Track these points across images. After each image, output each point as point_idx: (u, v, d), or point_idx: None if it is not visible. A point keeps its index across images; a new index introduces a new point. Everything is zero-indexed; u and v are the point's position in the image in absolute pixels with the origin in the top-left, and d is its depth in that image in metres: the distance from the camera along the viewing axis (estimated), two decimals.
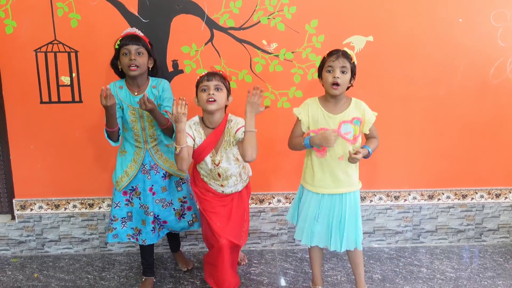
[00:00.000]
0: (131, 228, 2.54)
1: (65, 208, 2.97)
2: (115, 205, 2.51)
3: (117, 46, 2.36)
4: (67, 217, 2.99)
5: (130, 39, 2.32)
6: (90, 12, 2.69)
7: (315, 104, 2.28)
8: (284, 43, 2.77)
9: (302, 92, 2.84)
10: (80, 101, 2.81)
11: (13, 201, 2.96)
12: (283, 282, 2.69)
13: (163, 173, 2.49)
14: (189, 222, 2.60)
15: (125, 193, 2.51)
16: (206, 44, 2.75)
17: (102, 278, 2.76)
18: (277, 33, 2.75)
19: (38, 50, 2.73)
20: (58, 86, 2.79)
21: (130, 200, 2.52)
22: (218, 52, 2.75)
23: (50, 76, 2.77)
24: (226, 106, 2.32)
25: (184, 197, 2.57)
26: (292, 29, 2.75)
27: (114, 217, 2.52)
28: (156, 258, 2.96)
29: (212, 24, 2.73)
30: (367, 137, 2.32)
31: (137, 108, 2.37)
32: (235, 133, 2.24)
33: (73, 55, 2.75)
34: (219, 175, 2.32)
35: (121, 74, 2.43)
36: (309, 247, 2.43)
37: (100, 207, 2.98)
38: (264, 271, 2.79)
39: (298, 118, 2.32)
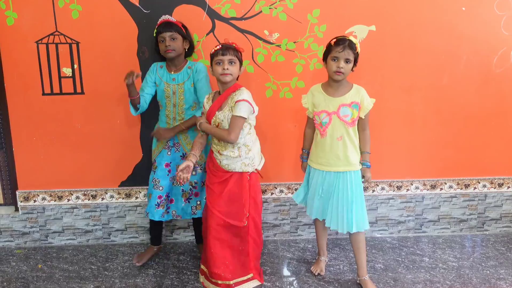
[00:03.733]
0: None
1: (68, 199, 2.98)
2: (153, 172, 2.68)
3: (154, 35, 2.55)
4: (70, 208, 3.00)
5: (164, 26, 2.50)
6: (91, 3, 2.68)
7: (318, 89, 2.43)
8: (286, 33, 2.76)
9: (304, 83, 2.83)
10: (82, 93, 2.81)
11: (17, 192, 2.97)
12: (285, 272, 2.71)
13: (183, 153, 2.63)
14: (193, 208, 2.68)
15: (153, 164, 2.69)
16: (207, 34, 2.74)
17: (106, 268, 2.77)
18: (279, 23, 2.74)
19: (40, 41, 2.73)
20: (59, 77, 2.79)
21: (153, 172, 2.66)
22: (219, 43, 2.73)
23: (51, 67, 2.77)
24: (238, 75, 2.41)
25: (195, 182, 2.66)
26: (294, 19, 2.74)
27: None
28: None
29: (213, 14, 2.72)
30: (358, 129, 2.43)
31: (171, 84, 2.57)
32: (235, 103, 2.30)
33: (74, 46, 2.74)
34: (218, 139, 2.38)
35: (162, 58, 2.63)
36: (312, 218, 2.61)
37: (103, 198, 2.99)
38: (266, 261, 2.81)
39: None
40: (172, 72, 2.58)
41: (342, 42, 2.28)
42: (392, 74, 2.83)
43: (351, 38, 2.30)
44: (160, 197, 2.62)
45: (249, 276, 2.47)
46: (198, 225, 2.83)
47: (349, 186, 2.39)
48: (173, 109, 2.59)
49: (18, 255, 2.94)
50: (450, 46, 2.82)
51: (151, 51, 2.73)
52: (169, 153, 2.63)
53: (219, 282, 2.40)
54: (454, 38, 2.81)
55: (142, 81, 2.65)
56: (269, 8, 2.72)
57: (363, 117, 2.39)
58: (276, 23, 2.74)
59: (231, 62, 2.30)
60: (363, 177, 2.44)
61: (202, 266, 2.54)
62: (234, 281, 2.43)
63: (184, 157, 2.62)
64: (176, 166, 2.57)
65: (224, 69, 2.29)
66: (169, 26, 2.50)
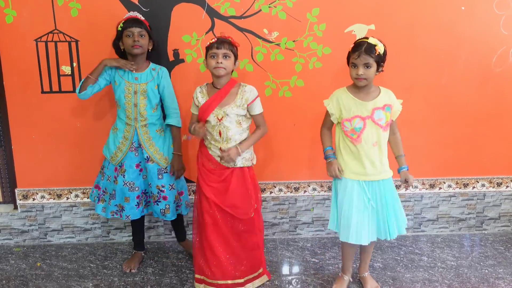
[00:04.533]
0: (115, 205, 2.61)
1: (67, 197, 2.99)
2: (108, 177, 2.62)
3: (120, 28, 2.48)
4: (69, 206, 3.00)
5: (133, 22, 2.46)
6: (90, 1, 2.68)
7: (344, 94, 2.30)
8: (285, 32, 2.76)
9: (303, 81, 2.83)
10: None
11: (16, 190, 2.97)
12: (284, 271, 2.71)
13: (146, 156, 2.56)
14: (161, 211, 2.63)
15: (115, 169, 2.59)
16: (207, 33, 2.74)
17: (105, 267, 2.77)
18: (278, 22, 2.74)
19: (39, 39, 2.73)
20: (59, 75, 2.78)
21: (116, 177, 2.58)
22: (215, 36, 2.73)
23: (50, 65, 2.76)
24: (232, 70, 2.40)
25: (163, 186, 2.59)
26: (294, 18, 2.74)
27: (106, 189, 2.65)
28: (158, 247, 2.98)
29: (213, 13, 2.71)
30: (389, 133, 2.34)
31: (133, 84, 2.51)
32: (248, 105, 2.36)
33: (73, 44, 2.74)
34: (220, 133, 2.35)
35: (121, 54, 2.56)
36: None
37: None
38: (265, 260, 2.80)
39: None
40: (134, 71, 2.52)
41: (358, 47, 2.16)
42: (391, 73, 2.82)
43: (370, 40, 2.18)
44: (138, 196, 2.59)
45: (260, 271, 2.51)
46: (176, 225, 2.84)
47: (390, 193, 2.32)
48: (134, 109, 2.51)
49: (17, 253, 2.94)
50: (449, 45, 2.82)
51: (115, 48, 2.58)
52: (136, 154, 2.56)
53: (229, 282, 2.42)
54: (453, 37, 2.81)
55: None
56: (269, 7, 2.72)
57: (394, 120, 2.32)
58: (276, 22, 2.74)
59: (225, 56, 2.29)
60: (406, 181, 2.36)
61: (197, 276, 2.49)
62: (245, 278, 2.46)
63: (148, 160, 2.56)
64: (145, 168, 2.57)
65: (218, 62, 2.28)
66: (138, 22, 2.47)
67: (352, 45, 2.25)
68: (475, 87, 2.90)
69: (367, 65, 2.17)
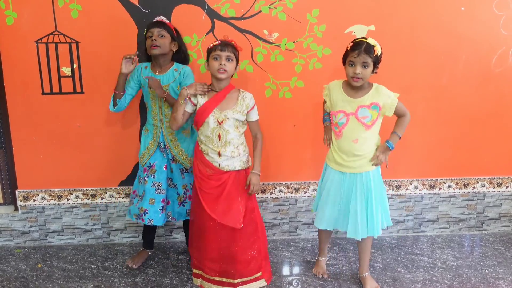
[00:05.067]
0: (138, 208, 2.60)
1: (67, 199, 2.99)
2: (139, 180, 2.64)
3: (145, 32, 2.51)
4: (69, 207, 3.00)
5: (154, 23, 2.48)
6: (91, 3, 2.68)
7: (338, 87, 2.35)
8: (285, 33, 2.76)
9: (303, 82, 2.83)
10: (82, 92, 2.81)
11: (16, 192, 2.97)
12: (285, 271, 2.71)
13: (171, 156, 2.59)
14: (187, 211, 2.65)
15: (144, 170, 2.60)
16: (207, 34, 2.75)
17: (105, 268, 2.78)
18: (278, 23, 2.74)
19: (39, 41, 2.73)
20: (59, 77, 2.79)
21: (146, 178, 2.58)
22: (217, 39, 2.73)
23: (51, 67, 2.77)
24: (233, 74, 2.41)
25: (187, 185, 2.65)
26: (294, 19, 2.74)
27: (137, 191, 2.65)
28: (158, 248, 2.98)
29: (213, 14, 2.72)
30: (398, 116, 2.36)
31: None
32: (248, 112, 2.39)
33: (74, 46, 2.74)
34: (219, 137, 2.34)
35: (150, 58, 2.58)
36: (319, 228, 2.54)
37: (102, 198, 2.99)
38: (269, 264, 2.80)
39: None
40: (157, 73, 2.52)
41: (358, 46, 2.20)
42: (391, 74, 2.83)
43: (369, 40, 2.21)
44: (163, 200, 2.58)
45: (257, 275, 2.50)
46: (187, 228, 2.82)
47: (369, 188, 2.32)
48: (159, 111, 2.54)
49: (18, 255, 2.94)
50: (449, 46, 2.82)
51: (141, 53, 2.64)
52: (164, 155, 2.58)
53: (224, 280, 2.44)
54: (453, 38, 2.81)
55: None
56: (269, 8, 2.72)
57: (391, 115, 2.31)
58: (276, 23, 2.74)
59: (228, 59, 2.30)
60: (380, 154, 2.33)
61: (195, 270, 2.54)
62: (239, 280, 2.45)
63: (173, 160, 2.58)
64: (170, 169, 2.58)
65: (221, 64, 2.27)
66: (159, 24, 2.47)
67: (350, 44, 2.26)
68: (475, 87, 2.90)
69: (365, 65, 2.20)
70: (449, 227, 3.13)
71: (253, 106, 2.40)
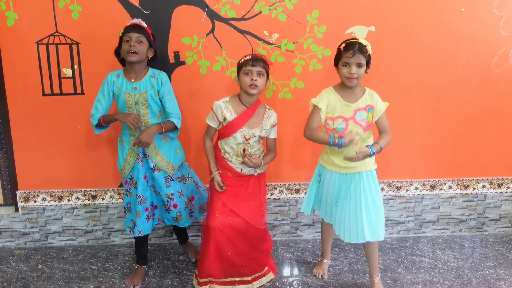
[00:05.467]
0: (130, 220, 2.57)
1: (68, 200, 2.99)
2: (126, 192, 2.58)
3: (120, 34, 2.42)
4: (70, 208, 3.00)
5: (132, 27, 2.39)
6: (91, 4, 2.68)
7: (332, 93, 2.34)
8: (285, 34, 2.76)
9: (303, 83, 2.83)
10: (82, 93, 2.81)
11: (17, 193, 2.98)
12: (285, 272, 2.71)
13: (153, 165, 2.51)
14: (173, 219, 2.62)
15: (126, 182, 2.55)
16: (207, 35, 2.75)
17: (106, 269, 2.78)
18: (279, 24, 2.74)
19: (40, 42, 2.73)
20: (60, 78, 2.79)
21: (129, 190, 2.54)
22: (219, 43, 2.74)
23: (52, 68, 2.77)
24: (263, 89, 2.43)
25: (172, 194, 2.56)
26: (294, 20, 2.74)
27: (128, 204, 2.59)
28: (159, 249, 2.98)
29: (213, 15, 2.72)
30: (379, 131, 2.34)
31: (133, 94, 2.42)
32: (270, 128, 2.46)
33: (74, 47, 2.75)
34: (244, 150, 2.41)
35: (123, 62, 2.48)
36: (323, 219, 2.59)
37: (103, 199, 2.99)
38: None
39: (317, 106, 2.32)
40: (133, 81, 2.42)
41: (352, 46, 2.21)
42: (391, 74, 2.83)
43: (361, 40, 2.24)
44: (147, 209, 2.53)
45: (265, 269, 2.56)
46: (177, 228, 2.81)
47: (364, 188, 2.31)
48: None
49: (18, 256, 2.94)
50: (449, 46, 2.82)
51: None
52: (143, 165, 2.49)
53: (237, 279, 2.47)
54: (453, 38, 2.81)
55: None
56: (269, 9, 2.72)
57: (375, 121, 2.32)
58: (276, 24, 2.74)
59: (259, 74, 2.33)
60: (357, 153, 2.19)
61: (203, 279, 2.48)
62: (253, 276, 2.50)
63: (154, 169, 2.50)
64: (152, 177, 2.52)
65: (252, 79, 2.29)
66: (138, 28, 2.38)
67: (342, 45, 2.28)
68: (475, 88, 2.90)
69: (359, 65, 2.22)
70: (449, 228, 3.13)
71: (276, 124, 2.48)
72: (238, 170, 2.44)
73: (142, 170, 2.50)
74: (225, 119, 2.38)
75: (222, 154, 2.45)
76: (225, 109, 2.38)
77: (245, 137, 2.38)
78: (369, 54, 2.24)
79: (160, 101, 2.47)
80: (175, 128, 2.48)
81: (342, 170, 2.35)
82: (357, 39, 2.25)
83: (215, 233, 2.34)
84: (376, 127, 2.36)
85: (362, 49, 2.21)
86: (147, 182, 2.53)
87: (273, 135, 2.49)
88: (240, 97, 2.41)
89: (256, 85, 2.30)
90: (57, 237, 3.05)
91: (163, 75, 2.49)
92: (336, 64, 2.32)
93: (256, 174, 2.50)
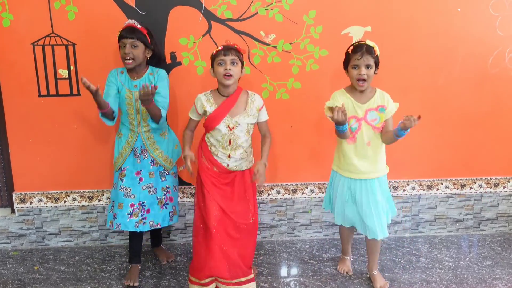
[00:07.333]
0: (111, 213, 2.59)
1: (64, 201, 2.98)
2: (114, 185, 2.60)
3: (118, 38, 2.44)
4: (67, 210, 2.99)
5: (126, 31, 2.40)
6: (87, 5, 2.68)
7: (344, 95, 2.37)
8: (282, 34, 2.76)
9: (300, 84, 2.83)
10: (78, 94, 2.81)
11: (13, 194, 2.96)
12: (282, 273, 2.71)
13: (151, 160, 2.55)
14: (170, 213, 2.64)
15: (118, 177, 2.58)
16: (204, 36, 2.75)
17: (103, 270, 2.77)
18: (275, 24, 2.74)
19: (36, 43, 2.73)
20: (56, 79, 2.78)
21: (116, 182, 2.56)
22: (216, 44, 2.74)
23: (48, 69, 2.76)
24: (239, 77, 2.41)
25: (167, 187, 2.62)
26: (290, 20, 2.74)
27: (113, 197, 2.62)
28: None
29: (209, 16, 2.72)
30: (383, 131, 2.36)
31: (134, 91, 2.48)
32: (258, 111, 2.41)
33: (70, 48, 2.74)
34: (230, 142, 2.37)
35: None
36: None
37: (99, 200, 2.98)
38: (263, 262, 2.81)
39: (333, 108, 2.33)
40: (135, 78, 2.50)
41: (360, 48, 2.24)
42: (388, 74, 2.83)
43: (368, 42, 2.27)
44: (132, 205, 2.51)
45: (250, 276, 2.46)
46: (155, 234, 2.85)
47: (377, 192, 2.37)
48: (136, 116, 2.51)
49: (15, 257, 2.93)
50: (445, 47, 2.83)
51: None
52: (138, 161, 2.53)
53: (243, 279, 2.42)
54: (449, 39, 2.82)
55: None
56: (265, 9, 2.72)
57: (386, 119, 2.34)
58: (272, 24, 2.74)
59: (233, 62, 2.31)
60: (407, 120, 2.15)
61: (193, 278, 2.44)
62: (236, 280, 2.42)
63: (153, 163, 2.55)
64: (148, 173, 2.53)
65: (226, 69, 2.28)
66: (132, 32, 2.39)
67: (350, 48, 2.30)
68: (471, 88, 2.91)
69: (368, 66, 2.25)
70: (446, 227, 3.13)
71: (262, 106, 2.43)
72: (225, 165, 2.39)
73: (137, 165, 2.53)
74: (205, 111, 2.37)
75: (209, 148, 2.42)
76: (206, 101, 2.37)
77: (228, 127, 2.35)
78: (377, 55, 2.25)
79: None
80: (160, 116, 2.44)
81: (358, 176, 2.38)
82: (364, 41, 2.27)
83: (217, 233, 2.34)
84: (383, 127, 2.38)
85: (370, 50, 2.24)
86: (140, 179, 2.54)
87: (263, 117, 2.45)
88: (218, 89, 2.41)
89: (230, 74, 2.29)
90: (53, 238, 3.04)
91: (161, 72, 2.54)
92: (346, 67, 2.34)
93: (243, 170, 2.44)
